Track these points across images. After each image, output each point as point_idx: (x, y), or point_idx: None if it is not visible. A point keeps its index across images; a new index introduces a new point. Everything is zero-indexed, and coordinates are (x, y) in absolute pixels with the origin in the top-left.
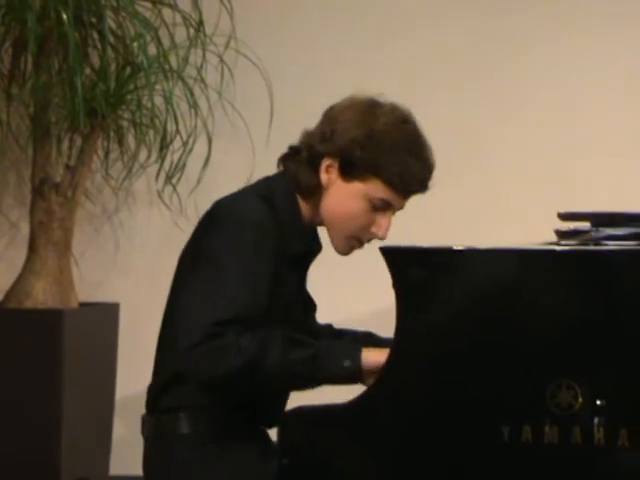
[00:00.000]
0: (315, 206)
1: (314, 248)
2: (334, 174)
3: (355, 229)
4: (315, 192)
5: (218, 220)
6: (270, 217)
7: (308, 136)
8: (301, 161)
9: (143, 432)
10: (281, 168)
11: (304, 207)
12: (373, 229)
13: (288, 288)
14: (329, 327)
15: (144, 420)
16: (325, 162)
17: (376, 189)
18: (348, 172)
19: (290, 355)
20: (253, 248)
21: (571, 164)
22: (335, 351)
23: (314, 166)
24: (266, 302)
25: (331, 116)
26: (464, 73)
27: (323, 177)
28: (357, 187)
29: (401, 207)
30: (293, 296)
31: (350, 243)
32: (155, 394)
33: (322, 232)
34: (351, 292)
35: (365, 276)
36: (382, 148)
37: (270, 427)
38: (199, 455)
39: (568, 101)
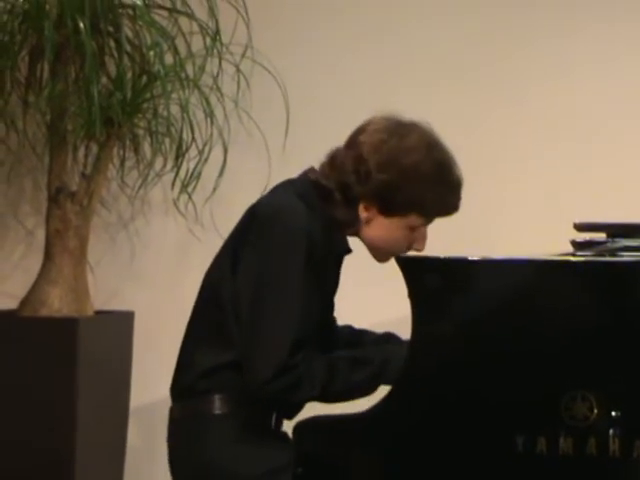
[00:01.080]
0: (352, 234)
1: (349, 247)
2: (373, 211)
3: (397, 251)
4: (354, 225)
5: (269, 233)
6: (314, 220)
7: (339, 172)
8: (337, 201)
9: (171, 416)
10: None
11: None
12: (415, 247)
13: (329, 287)
14: (349, 328)
15: (173, 408)
16: (363, 203)
17: (415, 220)
18: (387, 210)
19: (353, 378)
20: (305, 265)
21: (588, 175)
22: (392, 366)
23: (351, 205)
24: (317, 312)
25: (362, 153)
26: (480, 81)
27: (362, 215)
28: (397, 221)
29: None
30: (332, 295)
31: (391, 258)
32: (189, 382)
33: None
34: (367, 301)
35: (381, 285)
36: (416, 185)
37: (291, 419)
38: (232, 436)
39: (587, 110)
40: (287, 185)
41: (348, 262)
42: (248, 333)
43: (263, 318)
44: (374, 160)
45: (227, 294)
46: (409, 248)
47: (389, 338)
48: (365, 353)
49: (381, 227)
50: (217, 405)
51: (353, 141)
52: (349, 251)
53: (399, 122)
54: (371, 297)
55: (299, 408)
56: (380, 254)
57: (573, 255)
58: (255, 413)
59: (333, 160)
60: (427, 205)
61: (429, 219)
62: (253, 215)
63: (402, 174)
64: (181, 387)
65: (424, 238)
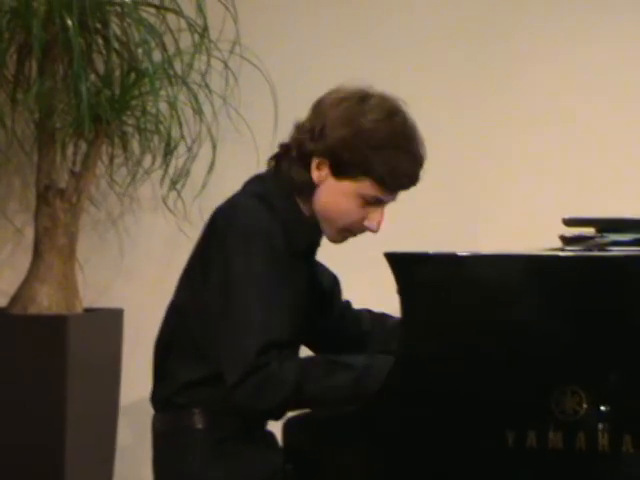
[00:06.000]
0: (307, 199)
1: (317, 236)
2: (325, 171)
3: (347, 224)
4: (309, 188)
5: (227, 235)
6: (272, 219)
7: (298, 131)
8: (292, 159)
9: (153, 429)
10: (272, 165)
11: (302, 202)
12: (366, 223)
13: (300, 285)
14: (369, 312)
15: (155, 418)
16: (315, 160)
17: (367, 187)
18: (338, 171)
19: (331, 381)
20: (268, 263)
21: (576, 169)
22: (374, 372)
23: (305, 164)
24: (290, 313)
25: (320, 111)
26: (467, 73)
27: (314, 174)
28: (348, 185)
29: (393, 200)
30: (304, 293)
31: (342, 234)
32: (167, 394)
33: None
34: (357, 297)
35: (370, 281)
36: (370, 147)
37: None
38: (213, 451)
39: (574, 104)
40: (248, 184)
41: (336, 258)
42: (219, 342)
43: (228, 322)
44: (331, 117)
45: (198, 306)
46: (361, 224)
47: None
48: (346, 357)
49: (332, 190)
50: (197, 419)
51: (316, 103)
52: (316, 244)
53: (364, 88)
54: (359, 294)
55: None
56: (331, 227)
57: (562, 250)
58: (236, 424)
59: (296, 124)
60: (378, 171)
61: (382, 190)
62: (211, 222)
63: (357, 133)
64: (160, 398)
65: (379, 218)
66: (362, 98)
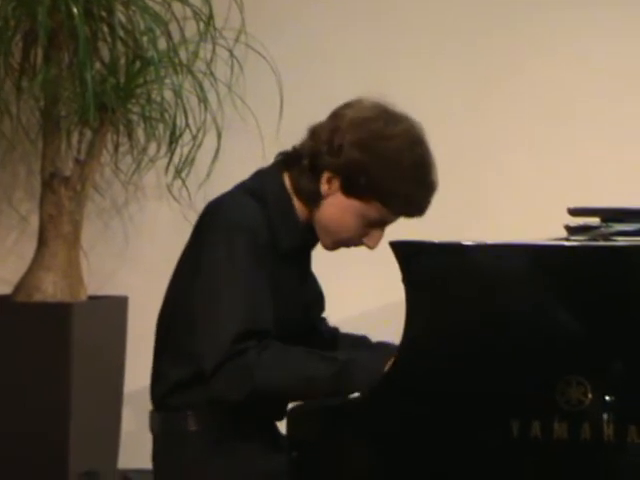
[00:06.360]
0: (310, 207)
1: (309, 242)
2: (335, 186)
3: (346, 238)
4: (314, 198)
5: (210, 229)
6: (259, 215)
7: (314, 139)
8: (304, 167)
9: (151, 428)
10: (279, 159)
11: (298, 204)
12: (365, 240)
13: (283, 285)
14: (335, 331)
15: (152, 416)
16: (327, 174)
17: (374, 210)
18: (349, 190)
19: (312, 372)
20: (248, 256)
21: (582, 159)
22: (358, 367)
23: (316, 174)
24: (271, 305)
25: (340, 126)
26: (474, 64)
27: (323, 187)
28: (356, 205)
29: (394, 221)
30: (291, 294)
31: (337, 245)
32: (161, 395)
33: None
34: (361, 286)
35: (375, 270)
36: (389, 175)
37: (280, 419)
38: (207, 453)
39: (582, 94)
40: (244, 182)
41: (340, 252)
42: (197, 333)
43: (205, 312)
44: (351, 135)
45: (184, 303)
46: (359, 242)
47: (362, 341)
48: (328, 353)
49: (337, 206)
50: (191, 422)
51: (336, 113)
52: (307, 246)
53: (390, 109)
54: (365, 282)
55: (283, 406)
56: (328, 238)
57: (567, 240)
58: (231, 425)
59: (313, 129)
60: (391, 197)
61: (389, 215)
62: (201, 218)
63: (377, 157)
64: (156, 398)
65: (378, 238)
66: (387, 121)
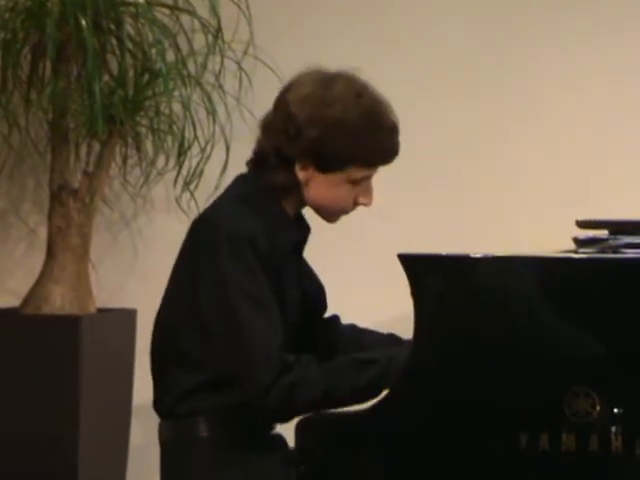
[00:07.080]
0: (296, 197)
1: (303, 235)
2: (310, 170)
3: (343, 208)
4: (295, 189)
5: (216, 243)
6: (256, 221)
7: (269, 134)
8: (272, 166)
9: (160, 437)
10: (250, 165)
11: (285, 202)
12: (361, 201)
13: (286, 285)
14: (352, 327)
15: (161, 425)
16: (299, 163)
17: (355, 172)
18: (324, 167)
19: (359, 379)
20: (259, 269)
21: (590, 171)
22: (395, 362)
23: (287, 167)
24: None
25: (287, 111)
26: (480, 75)
27: (300, 174)
28: (337, 176)
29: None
30: (291, 292)
31: (338, 216)
32: (170, 404)
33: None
34: (370, 299)
35: (384, 283)
36: (346, 136)
37: (287, 421)
38: (218, 459)
39: (588, 105)
40: (231, 187)
41: (349, 260)
42: (230, 348)
43: (242, 328)
44: (301, 116)
45: (188, 315)
46: (356, 203)
47: (391, 339)
48: (368, 354)
49: (321, 185)
50: (201, 428)
51: (280, 100)
52: (302, 242)
53: (323, 74)
54: (373, 295)
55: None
56: (327, 213)
57: (575, 252)
58: (241, 431)
59: (264, 125)
60: (362, 155)
61: (370, 170)
62: (196, 230)
63: (331, 126)
64: (163, 407)
65: (369, 191)
66: (324, 88)
